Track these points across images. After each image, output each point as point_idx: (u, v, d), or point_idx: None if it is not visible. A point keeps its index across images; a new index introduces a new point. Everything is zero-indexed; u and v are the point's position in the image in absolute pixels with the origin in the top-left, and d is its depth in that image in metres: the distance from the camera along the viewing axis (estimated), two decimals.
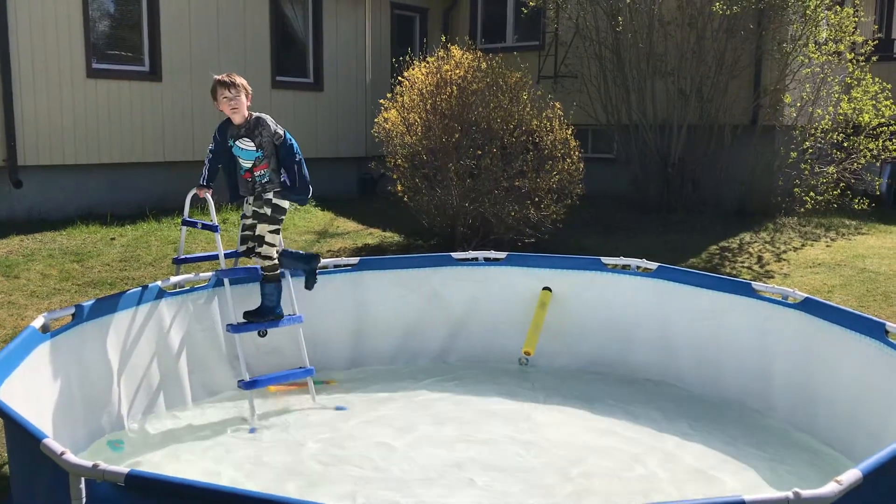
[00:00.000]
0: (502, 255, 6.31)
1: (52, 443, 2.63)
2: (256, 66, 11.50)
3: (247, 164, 5.10)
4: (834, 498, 2.37)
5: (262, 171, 5.09)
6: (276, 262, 5.21)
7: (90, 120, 9.88)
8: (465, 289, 6.22)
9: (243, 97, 5.03)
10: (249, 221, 5.23)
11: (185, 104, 10.78)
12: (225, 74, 5.10)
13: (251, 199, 5.19)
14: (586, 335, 6.07)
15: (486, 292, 6.22)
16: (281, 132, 5.09)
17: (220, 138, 5.12)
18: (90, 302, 4.61)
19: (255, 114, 5.13)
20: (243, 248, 5.26)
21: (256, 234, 5.14)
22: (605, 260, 6.18)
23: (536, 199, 8.78)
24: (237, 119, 5.06)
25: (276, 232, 5.20)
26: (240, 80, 5.05)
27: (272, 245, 5.17)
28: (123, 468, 2.48)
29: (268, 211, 5.12)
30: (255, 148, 5.05)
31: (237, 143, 5.08)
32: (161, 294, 5.08)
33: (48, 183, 9.69)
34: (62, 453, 2.55)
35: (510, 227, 8.83)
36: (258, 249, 5.14)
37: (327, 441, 4.66)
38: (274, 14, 11.89)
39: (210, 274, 5.39)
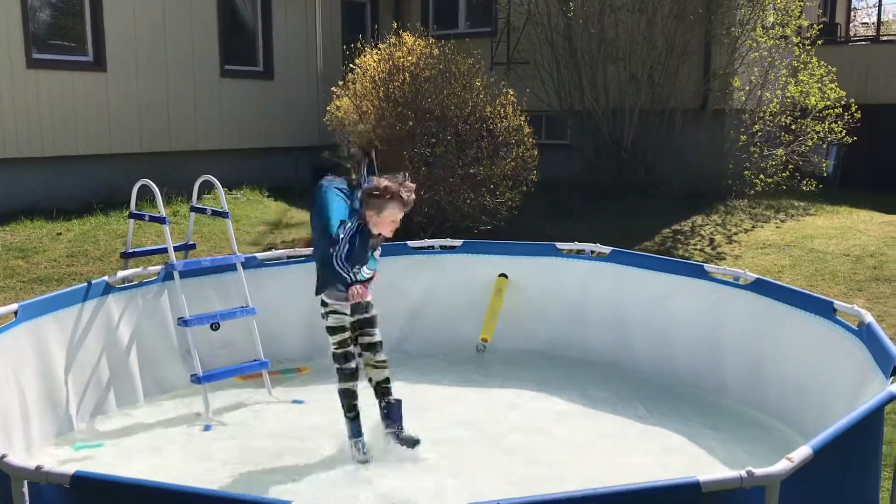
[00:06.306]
0: (458, 242, 6.28)
1: None
2: (204, 55, 11.27)
3: (368, 274, 4.39)
4: (786, 475, 2.40)
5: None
6: None
7: (31, 112, 9.58)
8: (422, 277, 6.18)
9: None
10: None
11: (131, 95, 10.51)
12: (407, 188, 4.14)
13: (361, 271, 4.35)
14: (542, 320, 6.09)
15: (443, 280, 6.20)
16: None
17: (360, 245, 4.17)
18: (35, 299, 4.47)
19: None
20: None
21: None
22: (559, 245, 6.19)
23: (492, 186, 8.78)
24: (387, 234, 4.28)
25: None
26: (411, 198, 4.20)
27: None
28: (69, 469, 2.40)
29: None
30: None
31: (374, 253, 4.39)
32: (109, 289, 4.95)
33: None
34: (3, 456, 2.46)
35: (466, 214, 8.82)
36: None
37: (283, 435, 4.60)
38: (221, 1, 11.64)
39: (159, 268, 5.28)
